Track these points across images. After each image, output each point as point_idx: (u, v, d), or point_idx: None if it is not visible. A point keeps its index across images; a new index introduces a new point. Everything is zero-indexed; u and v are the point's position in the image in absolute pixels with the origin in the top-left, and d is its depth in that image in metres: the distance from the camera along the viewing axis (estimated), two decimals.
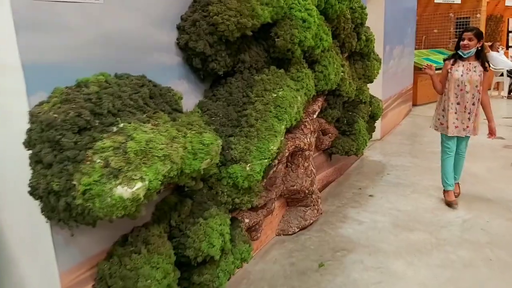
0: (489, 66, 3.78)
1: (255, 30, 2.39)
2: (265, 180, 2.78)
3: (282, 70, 2.77)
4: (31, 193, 1.57)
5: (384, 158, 5.40)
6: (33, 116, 1.54)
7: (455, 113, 3.67)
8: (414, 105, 8.85)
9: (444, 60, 3.86)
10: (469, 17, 10.44)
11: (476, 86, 3.58)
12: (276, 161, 2.80)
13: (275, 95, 2.55)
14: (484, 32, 3.60)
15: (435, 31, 10.96)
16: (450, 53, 3.95)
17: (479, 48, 3.57)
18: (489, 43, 10.15)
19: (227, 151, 2.32)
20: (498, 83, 10.13)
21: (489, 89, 9.56)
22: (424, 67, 3.84)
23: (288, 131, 3.02)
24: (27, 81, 1.58)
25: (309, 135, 3.31)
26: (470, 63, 3.60)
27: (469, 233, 3.25)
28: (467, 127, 3.66)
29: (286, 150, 2.93)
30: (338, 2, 3.33)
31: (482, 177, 4.48)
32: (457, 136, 3.76)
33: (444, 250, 3.01)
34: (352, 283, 2.68)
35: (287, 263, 2.95)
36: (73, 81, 1.70)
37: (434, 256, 2.93)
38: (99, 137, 1.52)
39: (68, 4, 1.69)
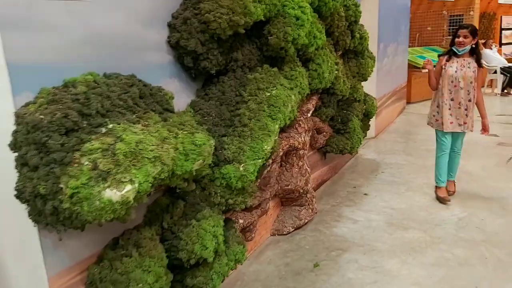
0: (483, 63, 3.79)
1: (247, 28, 2.35)
2: (259, 180, 2.74)
3: (275, 69, 2.73)
4: (18, 196, 1.52)
5: (378, 156, 5.39)
6: (19, 117, 1.49)
7: (449, 109, 3.68)
8: (408, 102, 8.86)
9: (439, 56, 3.85)
10: (463, 14, 10.46)
11: (471, 83, 3.59)
12: (270, 161, 2.77)
13: (269, 94, 2.52)
14: (477, 30, 3.59)
15: (429, 28, 10.98)
16: (444, 50, 3.95)
17: (474, 45, 3.57)
18: (483, 41, 10.18)
19: (220, 151, 2.28)
20: (491, 80, 10.17)
21: (483, 86, 9.59)
22: (424, 62, 3.82)
23: (282, 130, 2.99)
24: (13, 81, 1.53)
25: (304, 134, 3.28)
26: (464, 60, 3.62)
27: (464, 231, 3.24)
28: (464, 123, 3.66)
29: (280, 150, 2.90)
30: (332, 0, 3.29)
31: (477, 175, 4.48)
32: (452, 133, 3.77)
33: (439, 248, 3.00)
34: (347, 282, 2.66)
35: (281, 263, 2.92)
36: (60, 81, 1.66)
37: (428, 255, 2.92)
38: (87, 139, 1.47)
39: (55, 2, 1.65)
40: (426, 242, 3.10)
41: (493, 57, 9.89)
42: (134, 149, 1.49)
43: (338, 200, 4.02)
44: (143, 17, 2.06)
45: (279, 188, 3.17)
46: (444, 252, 2.95)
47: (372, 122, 5.38)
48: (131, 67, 1.94)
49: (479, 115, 3.74)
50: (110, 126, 1.54)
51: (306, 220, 3.47)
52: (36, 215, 1.56)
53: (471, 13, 10.32)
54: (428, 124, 3.94)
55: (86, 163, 1.43)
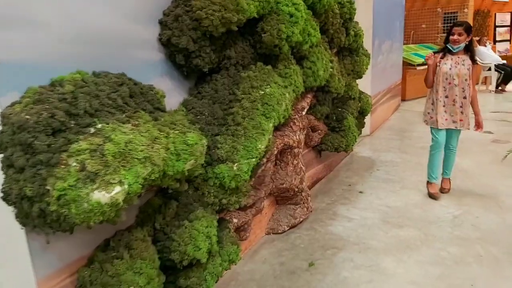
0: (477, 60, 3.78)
1: (240, 25, 2.31)
2: (253, 179, 2.71)
3: (269, 67, 2.70)
4: (4, 198, 1.48)
5: (373, 154, 5.38)
6: (4, 118, 1.45)
7: (444, 106, 3.68)
8: (403, 100, 8.87)
9: (434, 53, 3.84)
10: (457, 12, 10.47)
11: (466, 80, 3.58)
12: (265, 160, 2.74)
13: (263, 92, 2.49)
14: (472, 27, 3.58)
15: (423, 26, 10.98)
16: (439, 48, 3.94)
17: (468, 42, 3.57)
18: (477, 38, 10.20)
19: (213, 151, 2.24)
20: (486, 77, 10.19)
21: (477, 83, 9.61)
22: (427, 56, 3.77)
23: (277, 128, 2.96)
24: None
25: (298, 132, 3.25)
26: (458, 57, 3.61)
27: (460, 229, 3.23)
28: (460, 120, 3.66)
29: (275, 148, 2.87)
30: None
31: (472, 172, 4.47)
32: (447, 130, 3.76)
33: (435, 246, 2.99)
34: (343, 282, 2.64)
35: (276, 262, 2.90)
36: (48, 80, 1.61)
37: (424, 253, 2.91)
38: (74, 139, 1.43)
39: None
40: (422, 240, 3.09)
41: (487, 54, 9.91)
42: (123, 149, 1.45)
43: (333, 198, 4.00)
44: (133, 14, 2.01)
45: (274, 187, 3.14)
46: (439, 250, 2.93)
47: (367, 119, 5.37)
48: (121, 66, 1.90)
49: (472, 112, 3.73)
50: (99, 126, 1.51)
51: (301, 219, 3.45)
52: (23, 218, 1.52)
53: (465, 10, 10.33)
54: (423, 121, 3.93)
55: (74, 164, 1.39)
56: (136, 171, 1.45)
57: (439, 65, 3.66)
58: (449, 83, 3.63)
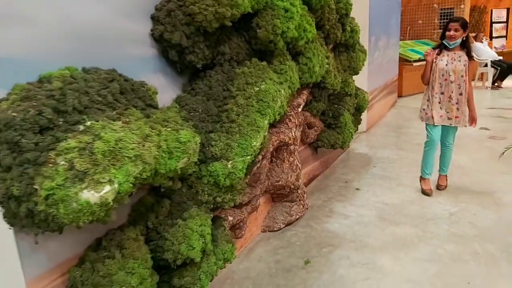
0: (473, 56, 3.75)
1: (235, 21, 2.27)
2: (248, 177, 2.68)
3: (264, 63, 2.66)
4: None
5: (370, 151, 5.36)
6: None
7: (439, 102, 3.65)
8: (400, 96, 8.85)
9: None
10: (453, 7, 10.45)
11: (462, 76, 3.56)
12: (260, 157, 2.70)
13: (258, 88, 2.45)
14: (468, 23, 3.55)
15: (420, 22, 10.95)
16: (435, 44, 3.91)
17: (464, 38, 3.54)
18: (473, 34, 10.19)
19: (207, 148, 2.21)
20: (482, 73, 10.19)
21: (473, 79, 9.60)
22: (426, 53, 3.75)
23: (272, 125, 2.93)
24: None
25: (294, 129, 3.22)
26: (455, 53, 3.59)
27: (457, 226, 3.21)
28: (456, 117, 3.63)
29: (271, 145, 2.84)
30: None
31: (468, 169, 4.46)
32: (443, 127, 3.74)
33: (431, 244, 2.97)
34: (339, 280, 2.62)
35: (272, 260, 2.87)
36: (36, 76, 1.57)
37: (421, 251, 2.89)
38: (63, 137, 1.39)
39: None
40: (419, 237, 3.07)
41: (484, 50, 9.91)
42: (113, 147, 1.41)
43: (330, 195, 3.97)
44: (124, 8, 1.96)
45: (269, 184, 3.11)
46: (436, 247, 2.91)
47: (364, 116, 5.35)
48: (112, 62, 1.86)
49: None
50: (88, 123, 1.47)
51: (297, 216, 3.42)
52: (11, 218, 1.48)
53: (462, 6, 10.31)
54: (419, 118, 3.90)
55: (62, 163, 1.35)
56: (126, 169, 1.42)
57: (435, 62, 3.64)
58: (445, 79, 3.61)
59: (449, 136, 3.80)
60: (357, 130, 4.86)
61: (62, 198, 1.32)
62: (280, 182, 3.15)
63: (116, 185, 1.39)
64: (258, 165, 2.78)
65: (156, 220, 2.04)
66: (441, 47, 3.65)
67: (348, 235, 3.17)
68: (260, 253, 2.98)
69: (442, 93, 3.65)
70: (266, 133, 2.55)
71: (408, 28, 10.92)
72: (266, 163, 2.97)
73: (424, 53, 3.75)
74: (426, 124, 3.78)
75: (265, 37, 2.50)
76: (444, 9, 10.56)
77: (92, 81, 1.58)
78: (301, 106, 3.46)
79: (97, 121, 1.48)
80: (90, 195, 1.33)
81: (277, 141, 2.94)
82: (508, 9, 13.01)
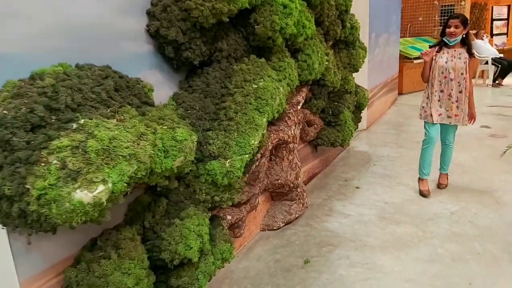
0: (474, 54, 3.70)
1: (232, 16, 2.23)
2: (247, 175, 2.65)
3: (263, 60, 2.62)
4: None
5: (370, 149, 5.32)
6: None
7: (439, 100, 3.60)
8: (400, 94, 8.80)
9: (430, 47, 3.76)
10: (454, 4, 10.38)
11: (462, 74, 3.51)
12: (259, 155, 2.67)
13: (256, 86, 2.41)
14: (468, 20, 3.49)
15: (420, 19, 10.89)
16: (435, 41, 3.86)
17: (464, 35, 3.49)
18: (474, 31, 10.13)
19: (204, 147, 2.17)
20: (483, 71, 10.14)
21: (474, 77, 9.56)
22: (423, 53, 3.70)
23: (271, 123, 2.89)
24: None
25: (293, 127, 3.19)
26: (455, 50, 3.53)
27: (457, 225, 3.18)
28: (456, 115, 3.58)
29: (269, 143, 2.81)
30: None
31: (469, 167, 4.42)
32: (443, 126, 3.69)
33: (432, 243, 2.94)
34: (338, 280, 2.59)
35: (271, 259, 2.85)
36: (29, 73, 1.54)
37: (421, 250, 2.86)
38: (55, 135, 1.36)
39: None
40: (419, 237, 3.04)
41: (485, 47, 9.84)
42: (107, 146, 1.38)
43: (330, 193, 3.94)
44: (119, 4, 1.92)
45: (268, 182, 3.08)
46: (437, 247, 2.88)
47: (364, 113, 5.31)
48: (107, 58, 1.82)
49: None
50: (82, 121, 1.43)
51: (297, 215, 3.39)
52: (3, 217, 1.45)
53: (463, 3, 10.24)
54: (419, 116, 3.86)
55: (54, 162, 1.32)
56: (120, 169, 1.38)
57: (435, 59, 3.58)
58: (445, 77, 3.56)
59: (449, 135, 3.76)
60: (357, 128, 4.83)
61: (54, 198, 1.29)
62: (279, 181, 3.12)
63: (109, 185, 1.35)
64: (257, 163, 2.75)
65: (153, 219, 2.01)
66: (441, 45, 3.60)
67: (348, 234, 3.14)
68: (259, 252, 2.95)
69: (441, 91, 3.60)
70: (265, 131, 2.51)
71: (409, 25, 10.85)
72: (265, 162, 2.94)
73: (421, 54, 3.71)
74: (424, 122, 3.73)
75: (263, 34, 2.46)
76: (445, 6, 10.49)
77: (85, 78, 1.54)
78: (301, 104, 3.42)
79: (91, 119, 1.45)
80: (83, 195, 1.30)
81: (276, 139, 2.91)
82: (509, 6, 12.94)
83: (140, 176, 1.48)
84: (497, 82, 9.75)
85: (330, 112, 4.13)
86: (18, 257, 1.61)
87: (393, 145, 5.45)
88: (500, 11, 12.96)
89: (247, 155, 2.26)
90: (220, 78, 2.35)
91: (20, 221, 1.40)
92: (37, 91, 1.39)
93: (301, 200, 3.45)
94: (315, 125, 4.03)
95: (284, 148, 3.16)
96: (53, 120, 1.39)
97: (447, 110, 3.60)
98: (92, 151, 1.35)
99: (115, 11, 1.89)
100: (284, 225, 3.31)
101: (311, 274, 2.66)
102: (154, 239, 1.98)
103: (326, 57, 3.52)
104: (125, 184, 1.42)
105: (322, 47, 3.43)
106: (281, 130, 2.98)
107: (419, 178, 3.89)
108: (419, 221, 3.29)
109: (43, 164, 1.31)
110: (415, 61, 8.70)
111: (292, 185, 3.25)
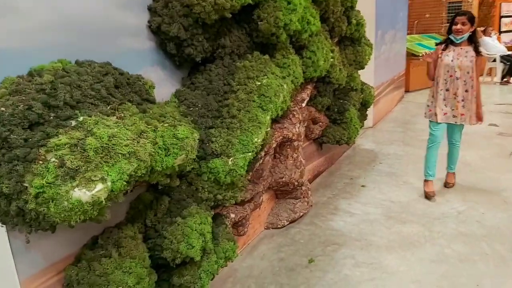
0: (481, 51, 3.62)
1: (235, 12, 2.20)
2: (250, 173, 2.62)
3: (266, 56, 2.58)
4: None
5: (376, 147, 5.27)
6: None
7: (444, 99, 3.51)
8: (407, 91, 8.72)
9: (436, 44, 3.69)
10: (461, 1, 10.28)
11: (468, 72, 3.41)
12: (263, 153, 2.64)
13: (259, 83, 2.38)
14: (476, 17, 3.43)
15: (427, 16, 10.78)
16: (442, 38, 3.79)
17: (471, 32, 3.40)
18: (482, 28, 10.00)
19: (207, 144, 2.15)
20: (490, 68, 10.01)
21: (482, 75, 9.45)
22: (424, 56, 3.65)
23: (276, 120, 2.86)
24: None
25: (298, 125, 3.15)
26: (461, 48, 3.43)
27: (464, 225, 3.13)
28: (461, 114, 3.50)
29: (274, 141, 2.77)
30: None
31: (477, 166, 4.36)
32: (448, 124, 3.62)
33: (439, 243, 2.89)
34: (343, 279, 2.56)
35: (275, 258, 2.82)
36: (28, 69, 1.52)
37: (428, 250, 2.81)
38: (53, 133, 1.34)
39: None
40: (426, 237, 2.99)
41: (492, 45, 9.72)
42: (106, 144, 1.36)
43: (335, 192, 3.90)
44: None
45: (272, 180, 3.05)
46: (444, 247, 2.83)
47: (370, 111, 5.26)
48: (108, 54, 1.80)
49: None
50: (81, 118, 1.41)
51: (301, 213, 3.36)
52: (2, 216, 1.44)
53: (470, 0, 10.13)
54: (424, 114, 3.79)
55: (52, 159, 1.29)
56: (120, 167, 1.36)
57: (441, 57, 3.50)
58: (450, 76, 3.47)
59: (456, 134, 3.69)
60: (363, 125, 4.77)
61: (52, 196, 1.27)
62: (283, 179, 3.09)
63: (108, 183, 1.33)
64: (261, 161, 2.72)
65: (154, 218, 1.98)
66: (447, 42, 3.52)
67: (353, 233, 3.10)
68: (263, 250, 2.92)
69: (447, 90, 3.51)
70: (269, 129, 2.48)
71: (416, 22, 10.75)
72: (269, 160, 2.91)
73: (424, 57, 3.64)
74: (429, 121, 3.66)
75: (267, 30, 2.42)
76: (452, 2, 10.38)
77: (85, 75, 1.52)
78: (305, 101, 3.39)
79: (90, 117, 1.43)
80: (81, 194, 1.28)
81: (280, 137, 2.87)
82: None
83: (140, 174, 1.46)
84: (505, 79, 9.62)
85: (336, 109, 4.09)
86: (18, 256, 1.60)
87: (399, 143, 5.39)
88: (509, 8, 12.77)
89: (250, 153, 2.23)
90: (223, 75, 2.32)
91: (18, 219, 1.38)
92: (35, 88, 1.37)
93: (306, 199, 3.42)
94: (320, 123, 3.99)
95: (288, 146, 3.12)
96: (51, 118, 1.37)
97: (453, 109, 3.51)
98: (91, 149, 1.32)
99: (117, 6, 1.86)
100: (288, 224, 3.28)
101: (315, 274, 2.62)
102: (156, 238, 1.95)
103: (331, 54, 3.48)
104: (125, 183, 1.39)
105: (327, 44, 3.39)
106: (285, 127, 2.95)
107: (424, 179, 3.82)
108: (425, 220, 3.24)
109: (41, 162, 1.29)
110: (421, 59, 8.62)
111: (296, 183, 3.22)
